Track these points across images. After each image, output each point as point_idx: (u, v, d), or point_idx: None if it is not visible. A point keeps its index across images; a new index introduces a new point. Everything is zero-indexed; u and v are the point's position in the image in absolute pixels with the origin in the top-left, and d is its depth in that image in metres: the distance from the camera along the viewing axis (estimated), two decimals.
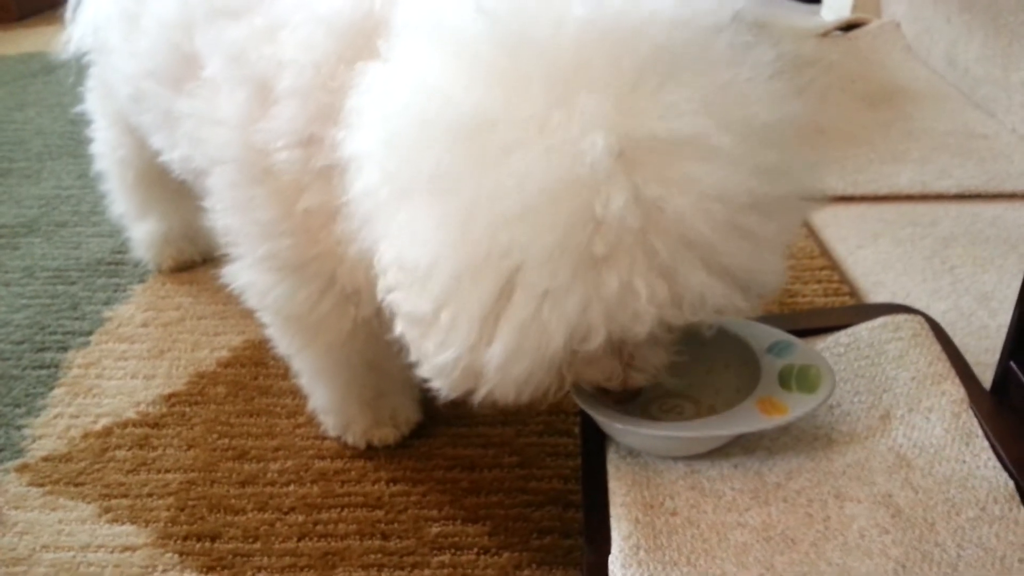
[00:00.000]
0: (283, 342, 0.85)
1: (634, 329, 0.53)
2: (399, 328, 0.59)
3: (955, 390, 0.72)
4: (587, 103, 0.50)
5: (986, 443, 0.68)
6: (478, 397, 0.59)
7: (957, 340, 0.84)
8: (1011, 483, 0.64)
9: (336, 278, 0.71)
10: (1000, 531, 0.61)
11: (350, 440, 0.92)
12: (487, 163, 0.51)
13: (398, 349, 0.62)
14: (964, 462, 0.67)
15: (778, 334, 0.75)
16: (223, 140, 0.71)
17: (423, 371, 0.60)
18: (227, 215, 0.75)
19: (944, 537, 0.61)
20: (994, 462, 0.66)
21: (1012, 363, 0.72)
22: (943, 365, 0.75)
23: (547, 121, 0.51)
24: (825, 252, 1.23)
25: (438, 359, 0.57)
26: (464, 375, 0.58)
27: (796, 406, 0.68)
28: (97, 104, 1.15)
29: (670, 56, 0.52)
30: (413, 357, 0.60)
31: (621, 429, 0.69)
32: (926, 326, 0.80)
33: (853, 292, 1.14)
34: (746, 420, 0.67)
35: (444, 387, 0.60)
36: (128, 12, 0.87)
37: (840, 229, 1.28)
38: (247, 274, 0.76)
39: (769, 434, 0.71)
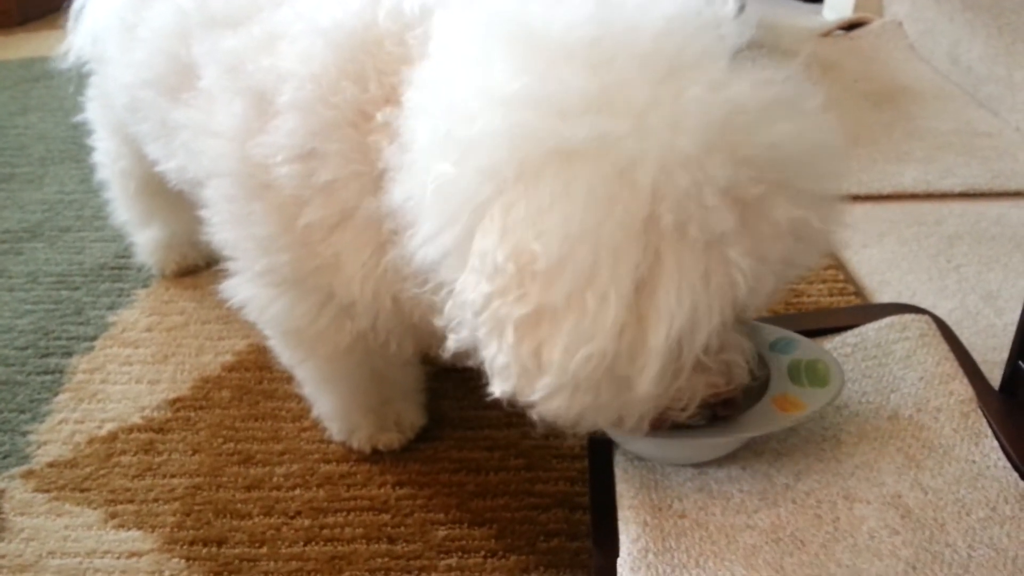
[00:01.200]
0: (284, 354, 0.85)
1: (755, 301, 0.55)
2: (505, 341, 0.53)
3: (963, 390, 0.72)
4: (639, 97, 0.52)
5: (995, 443, 0.67)
6: (583, 428, 0.57)
7: (963, 339, 0.83)
8: (1021, 483, 0.64)
9: (333, 290, 0.71)
10: (1011, 531, 0.61)
11: (355, 445, 0.92)
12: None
13: (395, 359, 0.62)
14: (974, 462, 0.66)
15: (777, 331, 0.75)
16: (219, 152, 0.71)
17: (542, 386, 0.53)
18: (225, 229, 0.74)
19: (955, 538, 0.61)
20: (1004, 462, 0.66)
21: (1021, 363, 0.72)
22: (951, 365, 0.74)
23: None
24: (830, 251, 1.22)
25: (578, 354, 0.51)
26: (608, 374, 0.53)
27: (812, 400, 0.68)
28: (97, 114, 1.15)
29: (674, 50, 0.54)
30: (512, 378, 0.55)
31: (643, 441, 0.68)
32: (933, 326, 0.79)
33: (859, 291, 1.13)
34: (767, 420, 0.67)
35: (555, 419, 0.55)
36: (126, 22, 0.87)
37: (845, 229, 1.28)
38: (246, 289, 0.76)
39: (777, 435, 0.71)
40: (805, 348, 0.72)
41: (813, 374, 0.70)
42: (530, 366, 0.53)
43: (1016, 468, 0.65)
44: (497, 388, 0.55)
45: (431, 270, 0.58)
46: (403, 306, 0.68)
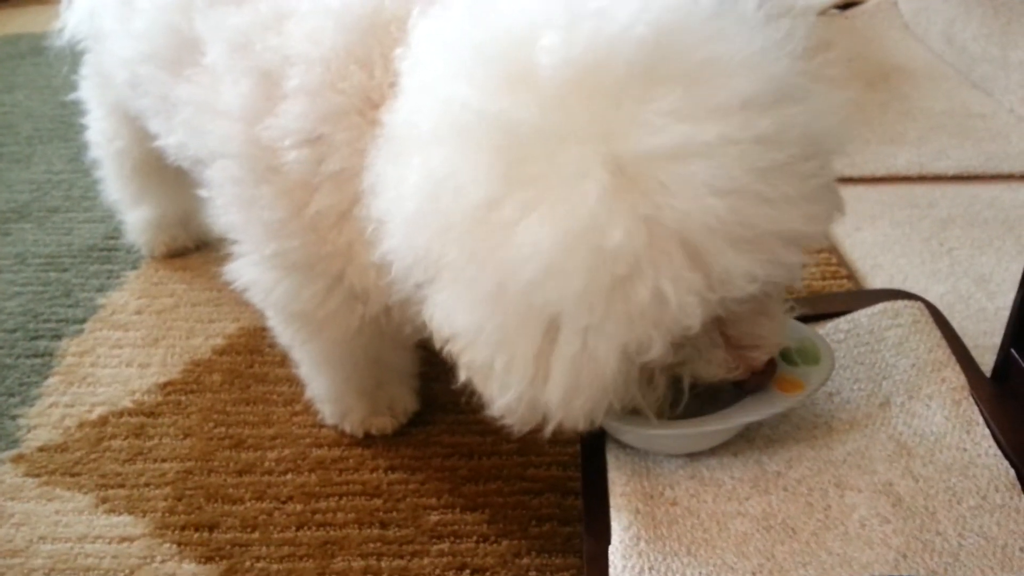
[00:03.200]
0: (286, 335, 0.84)
1: (687, 323, 0.54)
2: (462, 375, 0.60)
3: (955, 377, 0.72)
4: (572, 151, 0.52)
5: (987, 431, 0.68)
6: (549, 431, 0.61)
7: (955, 323, 0.83)
8: (1012, 471, 0.64)
9: (344, 277, 0.70)
10: (1001, 519, 0.61)
11: (348, 429, 0.92)
12: (500, 240, 0.53)
13: (404, 342, 0.63)
14: (965, 450, 0.67)
15: None
16: (225, 132, 0.70)
17: (494, 411, 0.61)
18: (230, 211, 0.73)
19: (945, 526, 0.61)
20: (995, 450, 0.66)
21: (1013, 350, 0.72)
22: (943, 352, 0.74)
23: (542, 182, 0.52)
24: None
25: (502, 400, 0.59)
26: (530, 411, 0.60)
27: (810, 378, 0.68)
28: (93, 93, 1.13)
29: (644, 66, 0.52)
30: (483, 398, 0.62)
31: (647, 433, 0.68)
32: (926, 312, 0.79)
33: (851, 275, 1.13)
34: (772, 401, 0.67)
35: (515, 424, 0.61)
36: None
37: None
38: (251, 271, 0.75)
39: (768, 421, 0.71)
40: (790, 329, 0.72)
41: (804, 353, 0.71)
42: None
43: (1007, 456, 0.65)
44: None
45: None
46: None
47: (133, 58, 0.85)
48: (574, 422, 0.60)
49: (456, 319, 0.57)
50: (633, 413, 0.65)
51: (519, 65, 0.53)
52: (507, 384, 0.58)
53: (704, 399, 0.66)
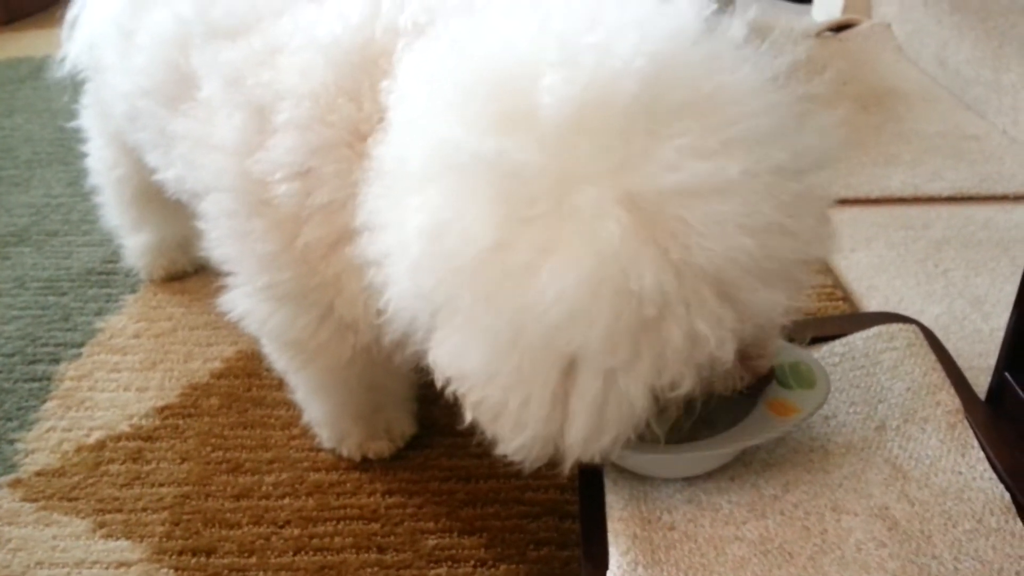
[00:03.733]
0: (281, 362, 0.84)
1: (723, 357, 0.54)
2: (468, 415, 0.59)
3: (950, 400, 0.72)
4: (584, 190, 0.51)
5: (982, 454, 0.68)
6: (567, 467, 0.59)
7: (951, 345, 0.84)
8: (1007, 495, 0.64)
9: (335, 307, 0.71)
10: (997, 543, 0.61)
11: (345, 453, 0.92)
12: (519, 284, 0.52)
13: (398, 370, 0.62)
14: (960, 473, 0.67)
15: None
16: (219, 166, 0.70)
17: (504, 450, 0.59)
18: (224, 244, 0.74)
19: (941, 550, 0.61)
20: (990, 473, 0.66)
21: (1007, 374, 0.73)
22: (938, 375, 0.75)
23: (555, 223, 0.51)
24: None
25: (516, 441, 0.58)
26: (544, 450, 0.58)
27: (804, 401, 0.68)
28: (93, 122, 1.14)
29: (649, 100, 0.52)
30: (490, 438, 0.60)
31: (644, 458, 0.68)
32: (920, 335, 0.80)
33: (846, 297, 1.14)
34: (766, 426, 0.67)
35: (527, 462, 0.60)
36: (124, 29, 0.87)
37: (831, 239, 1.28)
38: (245, 302, 0.75)
39: (765, 445, 0.71)
40: (784, 351, 0.72)
41: (798, 376, 0.70)
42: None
43: (1002, 480, 0.66)
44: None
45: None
46: None
47: (132, 92, 0.86)
48: (591, 458, 0.59)
49: (466, 361, 0.56)
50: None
51: (515, 104, 0.53)
52: (522, 424, 0.57)
53: (699, 423, 0.66)
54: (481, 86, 0.54)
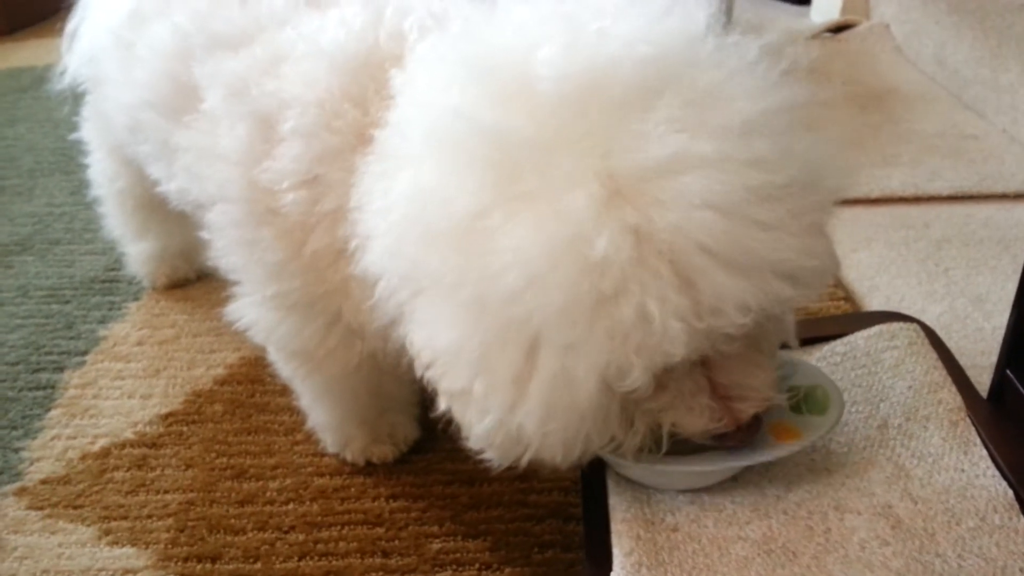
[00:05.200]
0: (287, 370, 0.85)
1: (670, 350, 0.52)
2: (442, 404, 0.60)
3: (952, 398, 0.72)
4: (564, 162, 0.51)
5: (984, 451, 0.68)
6: (525, 461, 0.60)
7: (952, 343, 0.84)
8: (1010, 492, 0.64)
9: (342, 314, 0.71)
10: (1000, 540, 0.61)
11: (349, 457, 0.92)
12: (485, 249, 0.52)
13: (403, 375, 0.63)
14: (963, 471, 0.67)
15: (780, 355, 0.74)
16: (224, 177, 0.70)
17: (471, 442, 0.60)
18: (232, 254, 0.74)
19: (944, 548, 0.61)
20: (993, 471, 0.66)
21: (1008, 371, 0.73)
22: (939, 373, 0.75)
23: (531, 192, 0.52)
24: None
25: (480, 427, 0.58)
26: (507, 440, 0.58)
27: (808, 429, 0.67)
28: (94, 134, 1.15)
29: (641, 87, 0.52)
30: (461, 429, 0.61)
31: (637, 467, 0.67)
32: (922, 334, 0.80)
33: (848, 297, 1.14)
34: (761, 448, 0.66)
35: (494, 456, 0.60)
36: (124, 41, 0.87)
37: (834, 233, 1.28)
38: (253, 312, 0.76)
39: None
40: (805, 373, 0.71)
41: (812, 401, 0.69)
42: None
43: (1004, 477, 0.66)
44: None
45: None
46: None
47: (133, 104, 0.86)
48: (551, 452, 0.58)
49: (437, 338, 0.56)
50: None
51: (515, 78, 0.53)
52: (485, 409, 0.57)
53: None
54: (485, 61, 0.55)
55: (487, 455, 0.61)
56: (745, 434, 0.62)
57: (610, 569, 0.64)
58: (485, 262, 0.52)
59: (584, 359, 0.53)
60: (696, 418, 0.60)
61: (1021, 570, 0.59)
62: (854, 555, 0.62)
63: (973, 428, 0.70)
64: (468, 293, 0.53)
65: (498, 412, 0.56)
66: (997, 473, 0.66)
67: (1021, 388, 0.71)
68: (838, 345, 0.81)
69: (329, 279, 0.68)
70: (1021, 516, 0.63)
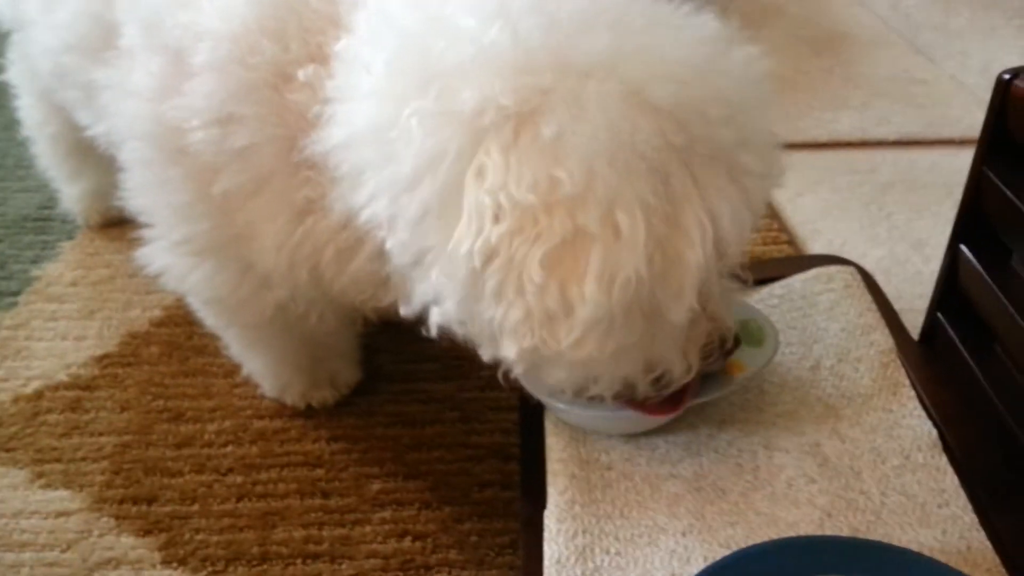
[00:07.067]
0: (208, 319, 0.83)
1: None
2: (529, 284, 0.49)
3: (884, 340, 0.73)
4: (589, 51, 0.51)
5: (912, 392, 0.69)
6: (677, 318, 0.53)
7: (892, 286, 0.85)
8: (934, 432, 0.66)
9: (252, 262, 0.69)
10: (922, 478, 0.63)
11: (288, 402, 0.91)
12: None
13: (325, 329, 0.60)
14: (891, 411, 0.68)
15: None
16: (134, 113, 0.67)
17: (574, 327, 0.50)
18: (141, 194, 0.71)
19: (869, 485, 0.63)
20: (919, 411, 0.68)
21: (939, 314, 0.74)
22: (873, 316, 0.76)
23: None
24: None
25: (617, 279, 0.49)
26: (642, 304, 0.51)
27: (751, 359, 0.68)
28: (21, 79, 1.10)
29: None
30: (527, 340, 0.51)
31: (591, 415, 0.67)
32: (858, 277, 0.81)
33: (791, 240, 1.15)
34: (716, 383, 0.67)
35: (604, 350, 0.52)
36: None
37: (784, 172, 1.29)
38: (163, 257, 0.73)
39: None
40: (736, 307, 0.72)
41: (747, 333, 0.70)
42: (557, 309, 0.50)
43: (930, 417, 0.67)
44: (510, 350, 0.52)
45: (400, 240, 0.54)
46: (322, 278, 0.66)
47: (57, 48, 0.82)
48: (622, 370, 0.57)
49: (569, 153, 0.49)
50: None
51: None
52: (623, 257, 0.49)
53: None
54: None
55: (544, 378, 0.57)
56: (723, 359, 0.63)
57: (544, 506, 0.65)
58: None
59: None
60: (697, 344, 0.60)
61: (939, 506, 0.61)
62: (781, 492, 0.63)
63: (903, 369, 0.71)
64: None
65: (643, 252, 0.49)
66: (923, 413, 0.68)
67: (950, 330, 0.72)
68: (776, 287, 0.82)
69: (237, 222, 0.66)
70: (943, 454, 0.64)
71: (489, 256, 0.49)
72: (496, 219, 0.49)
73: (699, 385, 0.67)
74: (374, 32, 0.57)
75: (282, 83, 0.61)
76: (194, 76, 0.62)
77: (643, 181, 0.49)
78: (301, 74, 0.60)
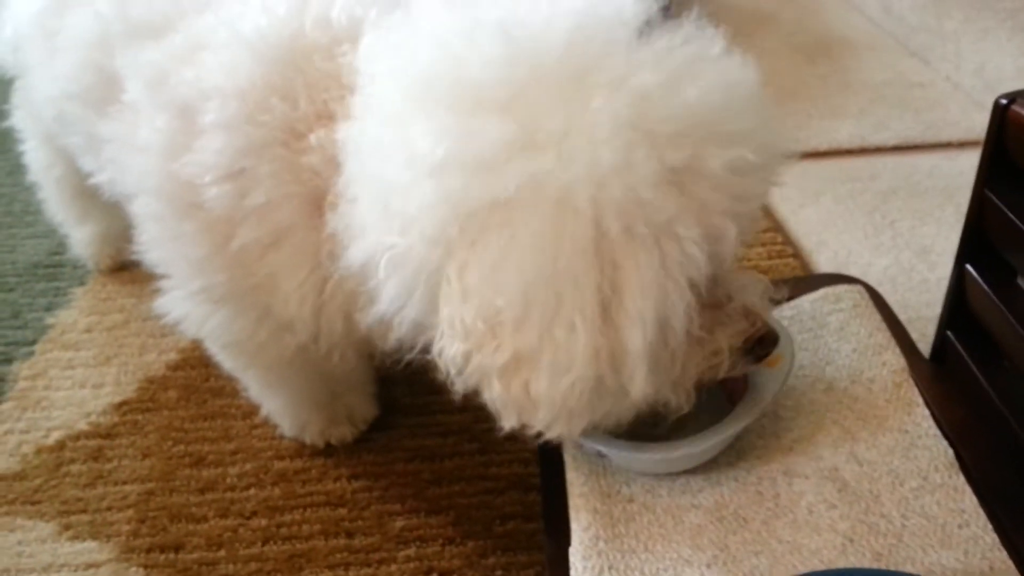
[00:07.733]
0: (226, 363, 0.84)
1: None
2: (494, 389, 0.55)
3: (895, 360, 0.74)
4: (597, 105, 0.52)
5: (926, 411, 0.70)
6: (636, 395, 0.55)
7: (898, 296, 0.85)
8: (950, 451, 0.66)
9: (271, 309, 0.70)
10: (941, 499, 0.63)
11: (307, 440, 0.92)
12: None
13: (346, 364, 0.62)
14: (906, 432, 0.69)
15: None
16: (144, 169, 0.68)
17: (541, 418, 0.56)
18: (156, 248, 0.72)
19: (889, 508, 0.63)
20: (935, 430, 0.68)
21: (949, 332, 0.75)
22: (883, 335, 0.77)
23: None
24: (769, 213, 1.24)
25: (562, 384, 0.54)
26: (597, 391, 0.55)
27: (767, 374, 0.68)
28: (26, 123, 1.11)
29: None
30: (513, 416, 0.57)
31: (646, 458, 0.67)
32: (866, 296, 0.82)
33: (796, 253, 1.16)
34: (770, 376, 0.68)
35: (574, 430, 0.57)
36: (47, 29, 0.83)
37: (783, 188, 1.29)
38: (181, 306, 0.74)
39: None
40: None
41: None
42: (524, 403, 0.56)
43: (945, 436, 0.68)
44: (505, 424, 0.58)
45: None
46: (353, 322, 0.67)
47: (58, 96, 0.83)
48: (660, 392, 0.58)
49: (503, 283, 0.52)
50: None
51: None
52: (569, 356, 0.53)
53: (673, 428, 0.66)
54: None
55: (568, 428, 0.57)
56: (766, 346, 0.64)
57: (568, 543, 0.65)
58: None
59: (680, 241, 0.53)
60: (735, 323, 0.61)
61: (959, 526, 0.61)
62: (802, 519, 0.64)
63: (916, 389, 0.72)
64: (526, 231, 0.52)
65: (584, 356, 0.53)
66: (939, 433, 0.68)
67: (961, 349, 0.73)
68: (786, 309, 0.82)
69: (256, 272, 0.67)
70: (960, 474, 0.65)
71: (464, 362, 0.56)
72: (462, 339, 0.55)
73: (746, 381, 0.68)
74: (354, 154, 0.59)
75: (293, 140, 0.62)
76: (204, 133, 0.64)
77: (582, 291, 0.52)
78: (312, 137, 0.61)
